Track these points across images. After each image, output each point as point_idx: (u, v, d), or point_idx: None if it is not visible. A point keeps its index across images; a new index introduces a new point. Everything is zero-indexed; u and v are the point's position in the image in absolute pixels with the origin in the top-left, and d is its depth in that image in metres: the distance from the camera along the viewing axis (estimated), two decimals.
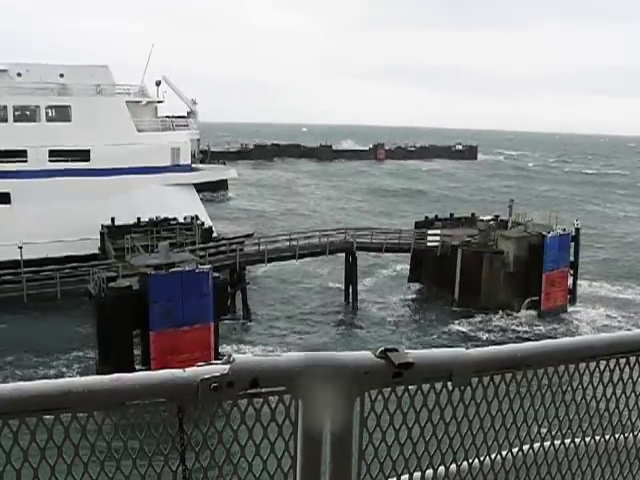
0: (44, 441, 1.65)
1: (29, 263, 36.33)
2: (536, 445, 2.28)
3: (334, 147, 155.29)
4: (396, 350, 1.89)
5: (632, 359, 2.36)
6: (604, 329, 37.00)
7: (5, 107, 44.18)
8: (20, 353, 31.24)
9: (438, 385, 1.98)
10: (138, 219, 42.52)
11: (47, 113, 45.66)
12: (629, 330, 2.71)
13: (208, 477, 1.84)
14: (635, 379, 2.43)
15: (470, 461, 2.15)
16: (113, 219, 42.20)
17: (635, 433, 2.51)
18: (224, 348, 30.63)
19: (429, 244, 42.93)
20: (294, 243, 41.45)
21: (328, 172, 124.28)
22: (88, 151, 44.98)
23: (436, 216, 48.41)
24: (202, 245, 39.73)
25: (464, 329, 37.70)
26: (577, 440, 2.35)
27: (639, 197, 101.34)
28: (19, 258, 36.48)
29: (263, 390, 1.76)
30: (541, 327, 38.44)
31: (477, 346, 2.12)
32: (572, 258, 42.14)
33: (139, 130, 47.40)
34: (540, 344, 2.21)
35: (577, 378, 2.28)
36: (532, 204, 71.90)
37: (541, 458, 2.30)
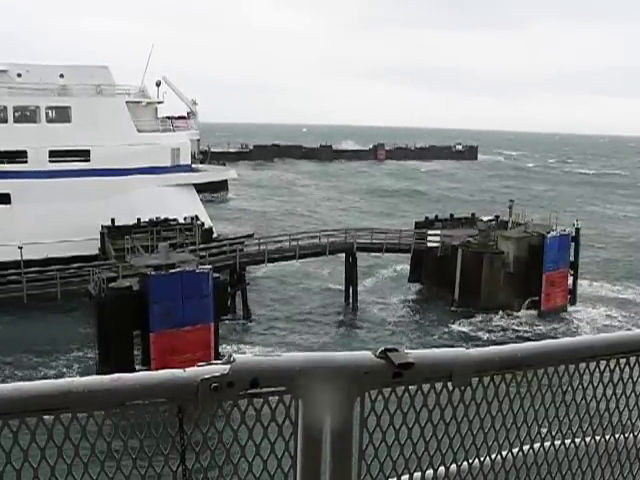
0: (44, 441, 1.65)
1: (29, 264, 36.32)
2: (536, 445, 2.28)
3: (334, 147, 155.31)
4: (396, 350, 1.89)
5: (632, 359, 2.36)
6: (604, 329, 37.00)
7: (5, 108, 44.17)
8: (20, 353, 31.24)
9: (438, 385, 1.98)
10: (138, 219, 42.53)
11: (47, 114, 45.64)
12: (629, 330, 2.71)
13: (208, 477, 1.84)
14: (635, 379, 2.43)
15: (470, 461, 2.15)
16: (113, 219, 42.20)
17: (635, 433, 2.51)
18: (224, 348, 30.64)
19: (429, 244, 42.94)
20: (294, 243, 41.46)
21: (328, 172, 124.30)
22: (88, 152, 44.97)
23: (436, 216, 48.41)
24: (202, 245, 39.74)
25: (464, 329, 37.69)
26: (577, 440, 2.35)
27: (639, 197, 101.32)
28: (19, 259, 36.48)
29: (263, 390, 1.76)
30: (541, 327, 38.44)
31: (477, 346, 2.12)
32: (572, 258, 42.16)
33: (139, 131, 47.38)
34: (540, 344, 2.21)
35: (577, 378, 2.28)
36: (532, 204, 71.92)
37: (541, 458, 2.30)
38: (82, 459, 1.69)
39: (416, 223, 47.38)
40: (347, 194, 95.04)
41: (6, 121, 44.11)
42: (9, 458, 1.61)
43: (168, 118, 54.93)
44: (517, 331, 37.88)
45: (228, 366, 1.71)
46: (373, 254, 45.52)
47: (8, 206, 43.01)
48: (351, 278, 42.41)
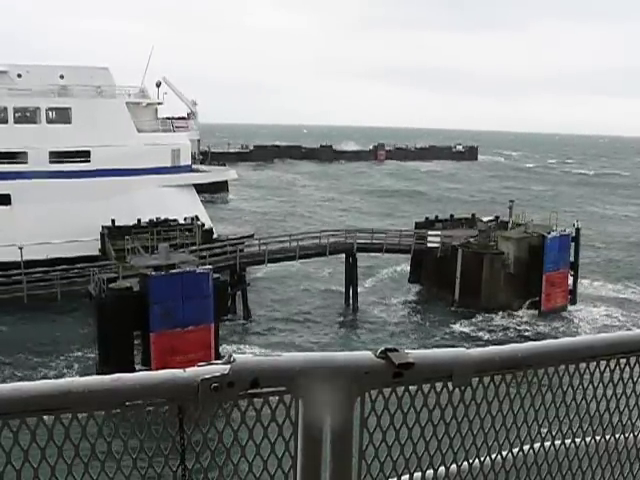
0: (44, 441, 1.65)
1: (30, 264, 36.33)
2: (536, 445, 2.28)
3: (335, 148, 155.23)
4: (396, 350, 1.89)
5: (632, 359, 2.36)
6: (604, 329, 37.00)
7: (5, 108, 44.22)
8: (20, 354, 31.25)
9: (439, 385, 1.98)
10: (138, 220, 42.57)
11: (47, 114, 45.68)
12: (629, 330, 2.71)
13: (208, 477, 1.84)
14: (635, 379, 2.43)
15: (470, 461, 2.15)
16: (113, 220, 42.24)
17: (635, 433, 2.51)
18: (224, 349, 30.63)
19: (429, 245, 42.94)
20: (294, 244, 41.46)
21: (328, 173, 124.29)
22: (88, 152, 45.01)
23: (436, 217, 48.40)
24: (203, 246, 39.75)
25: (464, 330, 37.69)
26: (577, 440, 2.35)
27: (639, 198, 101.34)
28: (19, 259, 36.48)
29: (263, 390, 1.76)
30: (542, 327, 38.44)
31: (478, 346, 2.12)
32: (572, 259, 42.17)
33: (139, 131, 47.43)
34: (540, 344, 2.21)
35: (577, 378, 2.28)
36: (532, 205, 71.91)
37: (541, 458, 2.30)
38: (82, 459, 1.69)
39: (416, 223, 47.38)
40: (347, 194, 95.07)
41: (6, 122, 44.15)
42: (9, 458, 1.61)
43: (168, 119, 54.98)
44: (517, 331, 37.89)
45: (228, 366, 1.71)
46: (373, 254, 45.53)
47: (8, 207, 43.04)
48: (351, 278, 42.39)
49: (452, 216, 49.22)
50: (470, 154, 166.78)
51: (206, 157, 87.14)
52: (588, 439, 2.38)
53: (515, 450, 2.24)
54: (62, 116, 45.62)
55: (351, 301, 42.06)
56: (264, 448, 1.84)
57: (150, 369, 2.84)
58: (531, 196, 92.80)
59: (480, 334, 37.13)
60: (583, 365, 2.27)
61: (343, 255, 43.12)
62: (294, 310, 40.71)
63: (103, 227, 42.22)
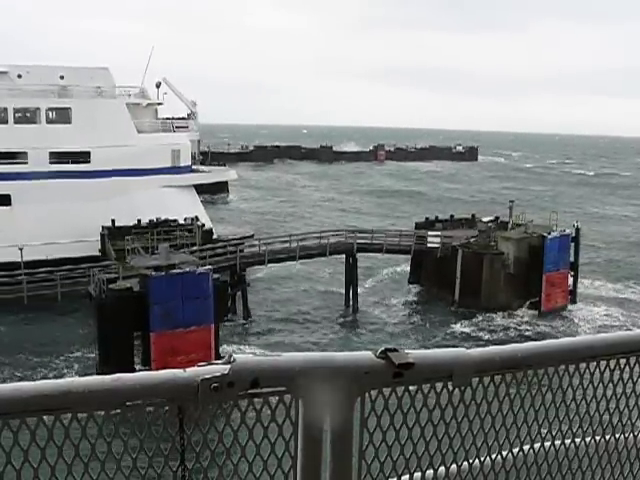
0: (44, 441, 1.65)
1: (30, 265, 36.34)
2: (536, 445, 2.28)
3: (335, 149, 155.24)
4: (396, 350, 1.89)
5: (632, 359, 2.36)
6: (604, 329, 37.00)
7: (5, 109, 44.24)
8: (20, 354, 31.26)
9: (439, 385, 1.98)
10: (138, 220, 42.57)
11: (47, 115, 45.71)
12: (629, 330, 2.71)
13: (208, 477, 1.84)
14: (635, 379, 2.43)
15: (470, 461, 2.15)
16: (113, 220, 42.25)
17: (635, 433, 2.51)
18: (224, 349, 30.63)
19: (429, 245, 42.94)
20: (294, 244, 41.47)
21: (328, 174, 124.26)
22: (88, 153, 45.02)
23: (436, 217, 48.39)
24: (203, 246, 39.76)
25: (464, 330, 37.69)
26: (577, 440, 2.35)
27: (639, 198, 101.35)
28: (19, 260, 36.49)
29: (263, 390, 1.76)
30: (542, 327, 38.44)
31: (478, 346, 2.12)
32: (572, 259, 42.18)
33: (139, 132, 47.46)
34: (540, 344, 2.21)
35: (577, 378, 2.28)
36: (532, 205, 71.89)
37: (541, 458, 2.30)
38: (82, 459, 1.69)
39: (416, 224, 47.37)
40: (347, 195, 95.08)
41: (6, 122, 44.17)
42: (9, 458, 1.62)
43: (168, 119, 55.03)
44: (517, 331, 37.89)
45: (228, 366, 1.71)
46: (373, 255, 45.54)
47: (8, 207, 43.05)
48: (351, 279, 42.39)
49: (452, 216, 49.23)
50: (470, 154, 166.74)
51: (206, 157, 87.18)
52: (588, 439, 2.38)
53: (515, 450, 2.24)
54: (62, 116, 45.64)
55: (351, 301, 42.04)
56: (264, 448, 1.84)
57: (150, 369, 2.83)
58: (531, 196, 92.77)
59: (480, 334, 37.13)
60: (583, 365, 2.27)
61: (343, 255, 43.11)
62: (294, 310, 40.71)
63: (103, 227, 42.23)
